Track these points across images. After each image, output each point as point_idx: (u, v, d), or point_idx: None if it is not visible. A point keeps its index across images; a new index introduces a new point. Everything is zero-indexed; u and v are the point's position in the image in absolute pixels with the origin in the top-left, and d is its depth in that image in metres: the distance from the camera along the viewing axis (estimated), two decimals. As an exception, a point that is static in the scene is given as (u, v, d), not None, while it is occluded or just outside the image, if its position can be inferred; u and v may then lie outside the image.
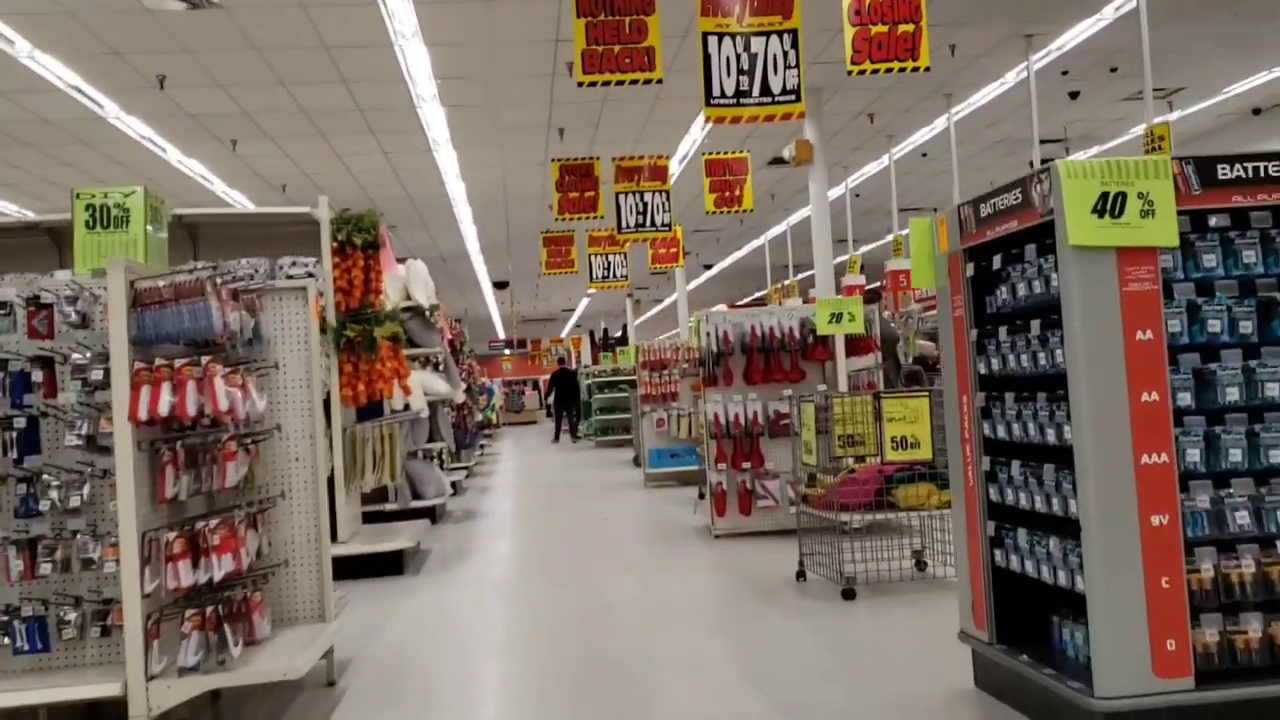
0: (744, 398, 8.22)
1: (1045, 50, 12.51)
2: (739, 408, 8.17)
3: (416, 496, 10.29)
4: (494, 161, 15.78)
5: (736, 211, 13.79)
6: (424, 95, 12.74)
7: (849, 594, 6.06)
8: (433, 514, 10.45)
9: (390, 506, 10.12)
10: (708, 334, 8.26)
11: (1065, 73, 13.35)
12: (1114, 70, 13.48)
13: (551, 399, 26.71)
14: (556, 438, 25.36)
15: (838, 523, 6.12)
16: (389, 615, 6.59)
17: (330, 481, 7.87)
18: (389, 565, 7.83)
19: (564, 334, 43.88)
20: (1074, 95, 14.33)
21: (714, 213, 13.79)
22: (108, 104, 12.46)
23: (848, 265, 18.08)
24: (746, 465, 8.17)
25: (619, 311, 34.51)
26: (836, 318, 7.83)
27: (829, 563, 6.44)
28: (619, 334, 28.18)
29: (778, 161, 16.65)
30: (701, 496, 11.07)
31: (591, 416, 21.48)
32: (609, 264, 18.31)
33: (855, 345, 8.21)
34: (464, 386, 12.02)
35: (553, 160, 13.60)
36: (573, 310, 36.80)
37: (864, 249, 23.29)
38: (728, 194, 13.75)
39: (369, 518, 9.96)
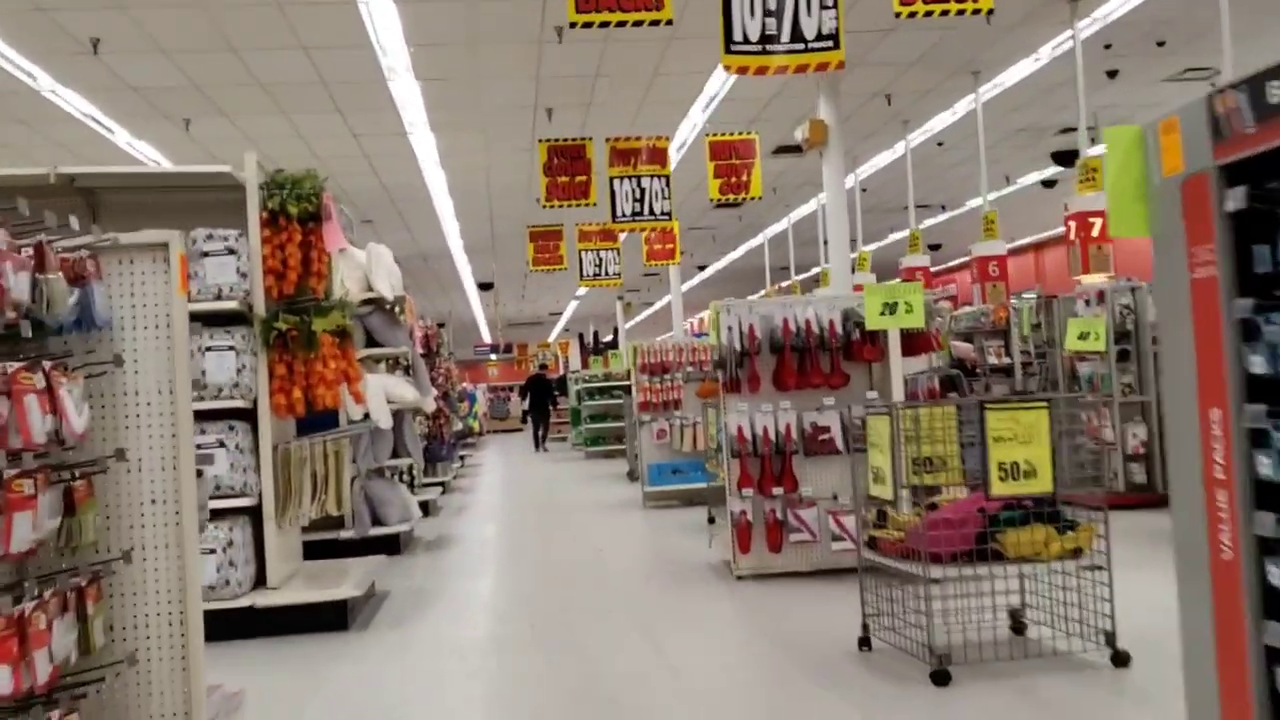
0: (774, 407, 6.43)
1: (1090, 18, 10.82)
2: (768, 419, 6.38)
3: (377, 522, 8.49)
4: (476, 147, 13.99)
5: (743, 199, 12.04)
6: (395, 66, 10.96)
7: (941, 677, 4.28)
8: (396, 543, 8.64)
9: (345, 535, 8.30)
10: (729, 328, 6.46)
11: (1109, 46, 11.67)
12: (1161, 44, 11.80)
13: (526, 405, 25.15)
14: (537, 446, 23.67)
15: (925, 578, 4.34)
16: (310, 703, 4.77)
17: (258, 511, 6.10)
18: (330, 618, 6.00)
19: (551, 338, 41.99)
20: (1112, 74, 12.64)
21: (718, 201, 12.05)
22: (39, 74, 10.63)
23: (856, 263, 16.38)
24: (778, 490, 6.38)
25: (608, 315, 32.68)
26: (890, 309, 6.06)
27: (903, 628, 4.68)
28: (610, 338, 26.36)
29: (785, 150, 14.90)
30: (712, 521, 9.29)
31: (580, 425, 19.64)
32: (600, 260, 16.55)
33: (911, 343, 6.43)
34: (436, 393, 10.23)
35: (540, 141, 11.84)
36: (560, 314, 34.95)
37: (870, 247, 21.53)
38: (734, 180, 12.01)
39: (319, 549, 8.15)
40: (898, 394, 6.28)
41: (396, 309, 9.21)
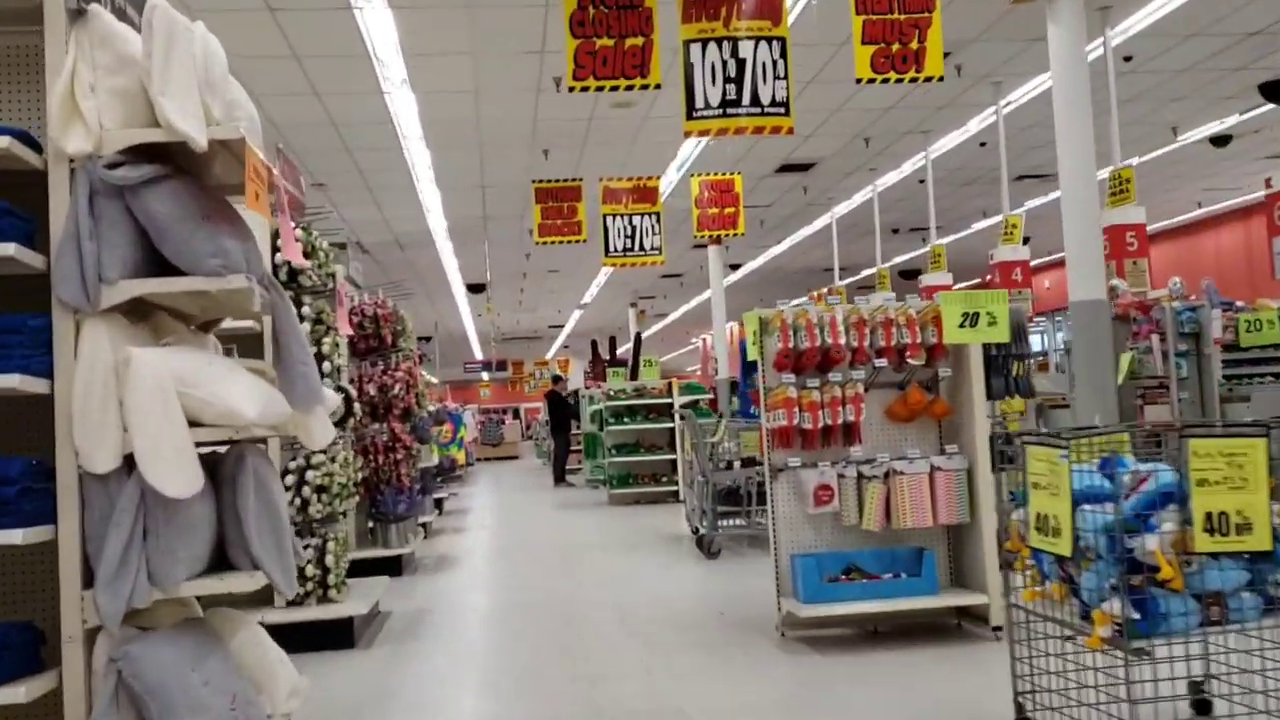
0: None
1: None
2: None
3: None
4: (459, 42, 8.40)
5: (911, 79, 6.55)
6: None
7: None
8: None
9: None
10: None
11: None
12: None
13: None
14: (557, 480, 17.48)
15: None
16: None
17: None
18: None
19: (549, 355, 36.22)
20: None
21: (869, 80, 6.54)
22: None
23: (1005, 226, 10.99)
24: None
25: (613, 330, 26.99)
26: None
27: None
28: (630, 345, 20.64)
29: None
30: (1023, 729, 3.56)
31: (599, 457, 13.95)
32: (633, 229, 11.02)
33: None
34: (339, 401, 4.63)
35: (565, -24, 6.30)
36: (561, 326, 29.14)
37: (962, 233, 16.01)
38: (898, 47, 6.53)
39: None
40: None
41: (239, 193, 3.56)
